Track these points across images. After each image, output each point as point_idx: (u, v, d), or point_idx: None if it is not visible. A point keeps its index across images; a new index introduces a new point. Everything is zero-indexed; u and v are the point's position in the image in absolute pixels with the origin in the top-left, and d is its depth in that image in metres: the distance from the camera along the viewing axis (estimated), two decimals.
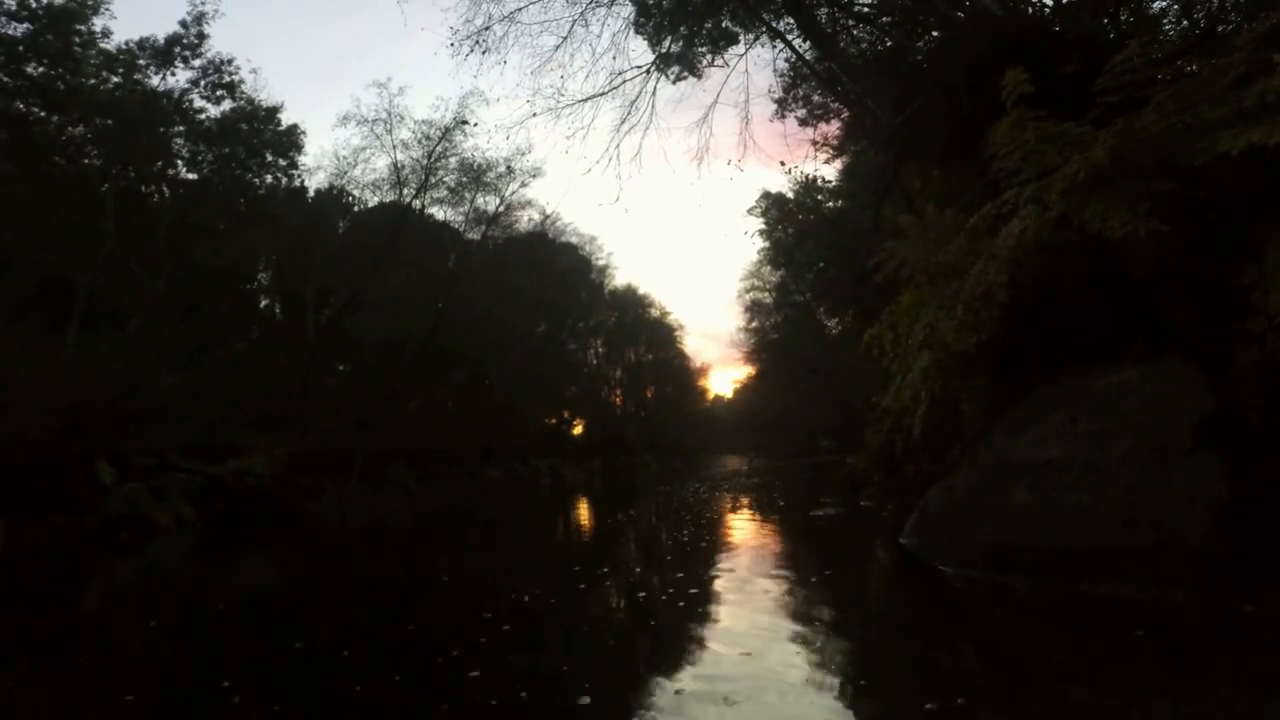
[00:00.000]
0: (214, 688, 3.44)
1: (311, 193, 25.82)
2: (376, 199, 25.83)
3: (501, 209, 28.26)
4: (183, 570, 8.50)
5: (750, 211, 29.34)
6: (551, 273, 32.95)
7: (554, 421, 38.94)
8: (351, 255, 23.58)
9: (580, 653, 4.02)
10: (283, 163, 22.41)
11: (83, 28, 17.90)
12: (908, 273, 7.39)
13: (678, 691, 3.06)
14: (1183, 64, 5.84)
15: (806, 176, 17.01)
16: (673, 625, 4.33)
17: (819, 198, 24.85)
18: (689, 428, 56.43)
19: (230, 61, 20.20)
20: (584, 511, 14.50)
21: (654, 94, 15.21)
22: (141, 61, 19.21)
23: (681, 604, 4.85)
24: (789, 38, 13.48)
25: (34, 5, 16.99)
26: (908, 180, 11.62)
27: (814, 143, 16.31)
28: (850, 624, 4.21)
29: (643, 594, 5.53)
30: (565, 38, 14.29)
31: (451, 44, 14.47)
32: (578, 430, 42.32)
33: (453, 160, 25.15)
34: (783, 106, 15.58)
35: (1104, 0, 9.45)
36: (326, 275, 23.46)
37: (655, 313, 50.99)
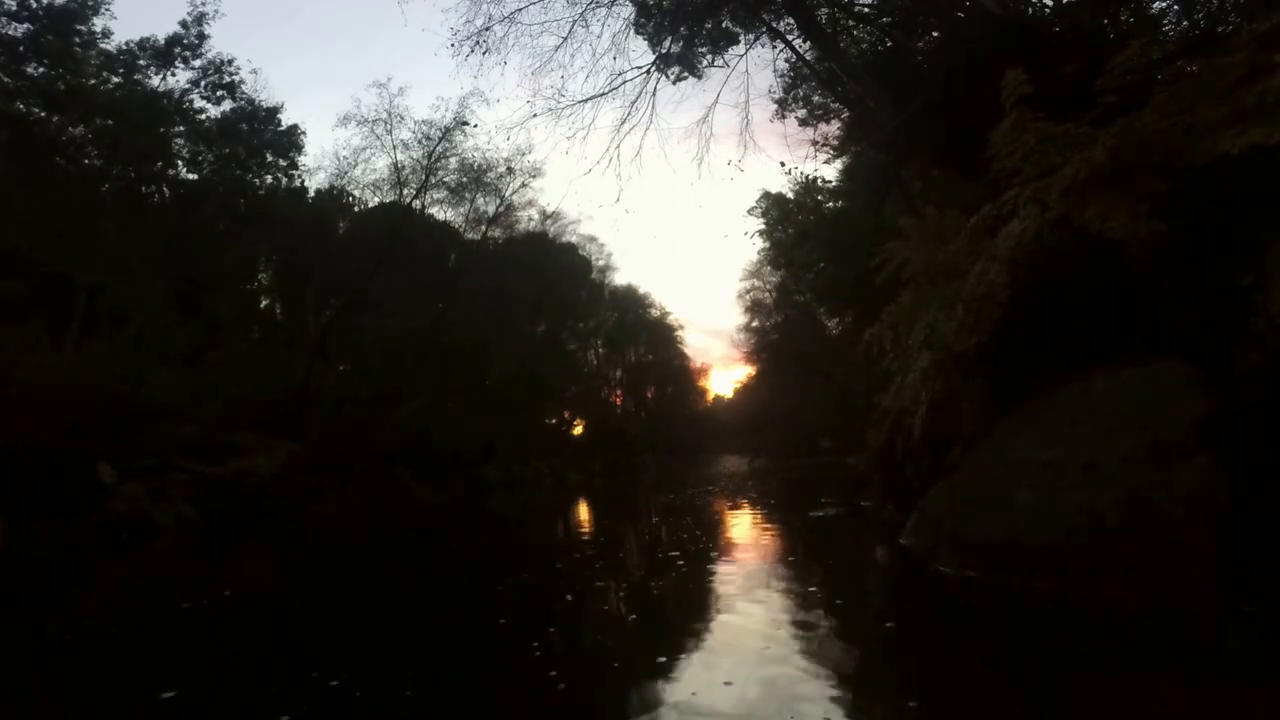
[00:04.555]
0: (223, 690, 3.45)
1: (312, 193, 25.83)
2: (377, 199, 25.87)
3: (502, 209, 28.30)
4: (185, 571, 8.49)
5: (750, 212, 29.31)
6: (552, 273, 32.92)
7: (554, 421, 38.90)
8: (352, 255, 23.56)
9: (582, 652, 4.02)
10: (283, 163, 22.49)
11: (83, 28, 17.92)
12: (908, 273, 7.40)
13: (676, 691, 3.07)
14: (1183, 64, 5.84)
15: (806, 176, 17.09)
16: (674, 625, 4.34)
17: (819, 198, 24.83)
18: (689, 428, 56.36)
19: (230, 62, 20.27)
20: (586, 513, 14.50)
21: (654, 94, 15.30)
22: (142, 62, 19.24)
23: (683, 604, 4.85)
24: (789, 38, 13.52)
25: (34, 5, 17.02)
26: (908, 180, 11.64)
27: (814, 143, 16.39)
28: (850, 624, 4.21)
29: (645, 593, 5.53)
30: (565, 38, 14.36)
31: (452, 44, 14.59)
32: (578, 430, 42.28)
33: (453, 160, 25.21)
34: (783, 107, 15.63)
35: (1104, 0, 9.45)
36: (326, 275, 23.46)
37: (655, 313, 51.02)
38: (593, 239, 38.60)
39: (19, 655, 4.48)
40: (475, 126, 29.22)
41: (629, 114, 14.93)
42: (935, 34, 11.54)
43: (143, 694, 3.44)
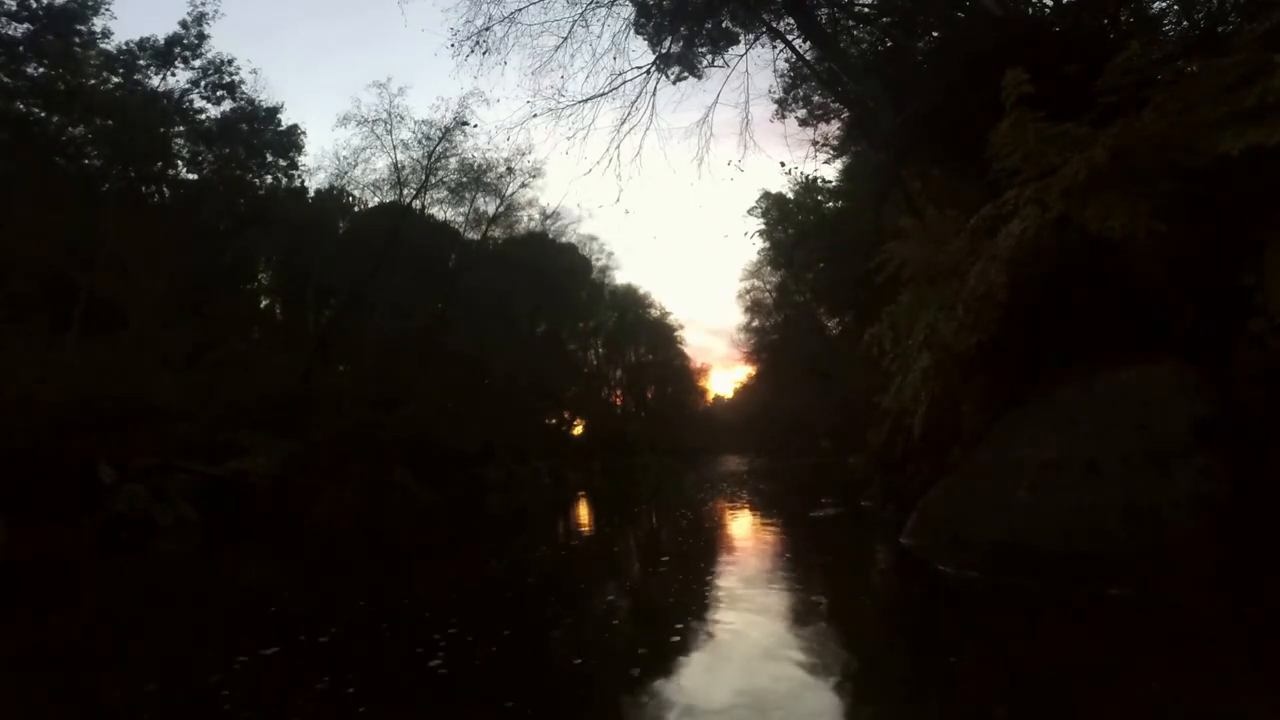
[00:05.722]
0: (227, 691, 3.44)
1: (311, 193, 25.80)
2: (377, 199, 25.87)
3: (502, 209, 28.33)
4: (185, 571, 8.49)
5: (750, 212, 29.34)
6: (552, 273, 32.88)
7: (554, 422, 38.86)
8: (351, 255, 23.55)
9: (586, 652, 4.01)
10: (283, 163, 22.46)
11: (83, 28, 17.89)
12: (908, 273, 7.40)
13: (677, 691, 3.07)
14: (1183, 64, 5.84)
15: (806, 176, 17.07)
16: (675, 624, 4.33)
17: (819, 198, 24.83)
18: (689, 428, 56.35)
19: (230, 62, 20.23)
20: (586, 513, 14.50)
21: (654, 94, 15.27)
22: (142, 62, 19.21)
23: (683, 604, 4.85)
24: (789, 38, 13.50)
25: (34, 5, 16.99)
26: (908, 180, 11.64)
27: (814, 143, 16.35)
28: (851, 624, 4.21)
29: (646, 592, 5.53)
30: (565, 38, 14.33)
31: (452, 44, 14.53)
32: (578, 430, 42.23)
33: (453, 160, 25.22)
34: (783, 107, 15.59)
35: (1104, 0, 9.44)
36: (326, 275, 23.45)
37: (655, 313, 51.01)
38: (593, 239, 38.69)
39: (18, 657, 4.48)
40: (475, 127, 29.31)
41: (629, 114, 14.92)
42: (935, 34, 11.52)
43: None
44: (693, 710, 2.85)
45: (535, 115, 17.06)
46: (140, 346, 15.16)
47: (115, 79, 18.95)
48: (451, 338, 26.31)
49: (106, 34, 18.44)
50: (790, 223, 28.02)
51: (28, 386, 11.61)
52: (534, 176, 27.30)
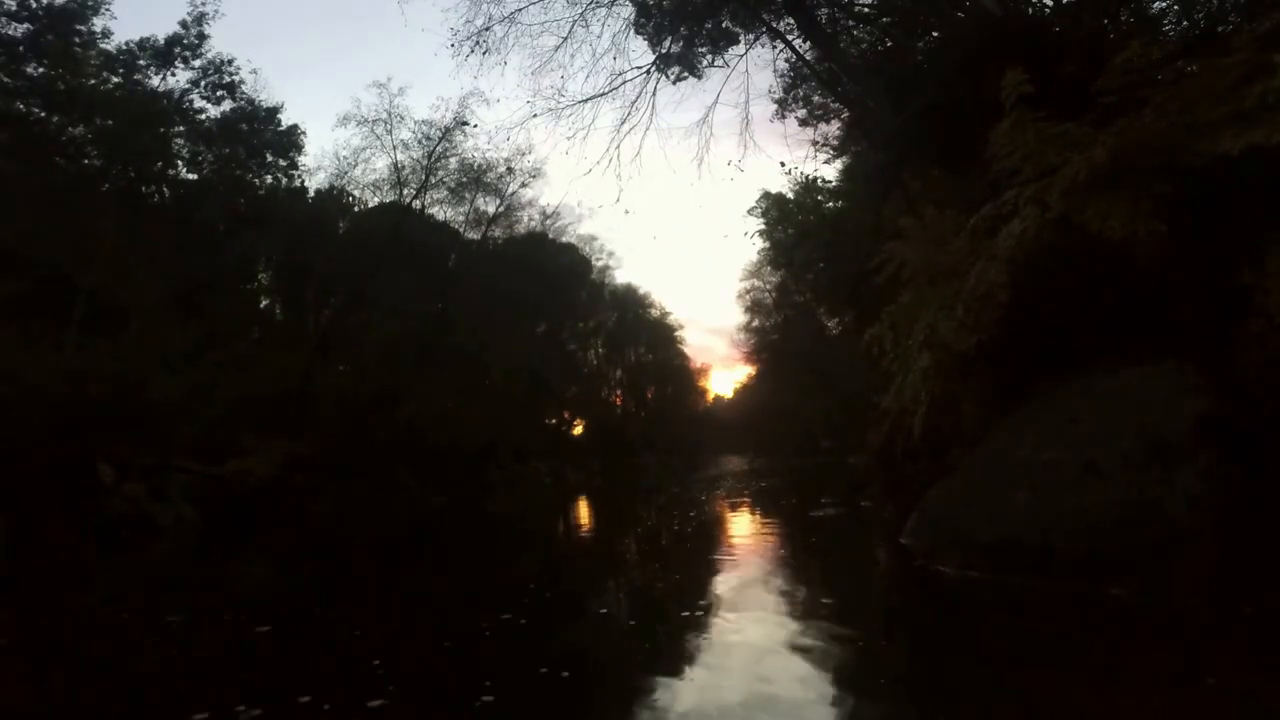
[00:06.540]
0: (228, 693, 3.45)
1: (311, 193, 25.79)
2: (377, 199, 25.88)
3: (502, 209, 28.35)
4: (186, 571, 8.49)
5: (750, 212, 29.33)
6: (552, 272, 32.88)
7: (554, 422, 38.88)
8: (351, 255, 23.56)
9: (586, 650, 4.02)
10: (283, 163, 22.49)
11: (83, 28, 17.91)
12: (908, 273, 7.40)
13: (677, 691, 3.06)
14: (1183, 64, 5.84)
15: (806, 176, 17.10)
16: (673, 624, 4.33)
17: (819, 198, 24.83)
18: (689, 427, 56.37)
19: (230, 62, 20.26)
20: (586, 513, 14.50)
21: (654, 94, 15.24)
22: (142, 62, 19.22)
23: (683, 604, 4.84)
24: (789, 38, 13.52)
25: (34, 5, 17.00)
26: (908, 180, 11.64)
27: (814, 143, 16.38)
28: (850, 624, 4.21)
29: (645, 592, 5.54)
30: (565, 38, 14.34)
31: (452, 44, 14.55)
32: (578, 430, 42.24)
33: (453, 161, 25.26)
34: (783, 107, 15.61)
35: (1104, 0, 9.45)
36: (326, 275, 23.45)
37: (655, 312, 51.01)
38: (593, 238, 38.54)
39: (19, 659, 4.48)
40: (475, 127, 29.37)
41: (629, 114, 14.92)
42: (935, 34, 11.53)
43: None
44: (693, 709, 2.85)
45: (535, 115, 17.04)
46: (140, 346, 15.14)
47: (115, 79, 18.96)
48: (452, 337, 26.32)
49: (106, 34, 18.48)
50: (790, 223, 28.01)
51: (28, 386, 11.62)
52: (534, 176, 27.36)
